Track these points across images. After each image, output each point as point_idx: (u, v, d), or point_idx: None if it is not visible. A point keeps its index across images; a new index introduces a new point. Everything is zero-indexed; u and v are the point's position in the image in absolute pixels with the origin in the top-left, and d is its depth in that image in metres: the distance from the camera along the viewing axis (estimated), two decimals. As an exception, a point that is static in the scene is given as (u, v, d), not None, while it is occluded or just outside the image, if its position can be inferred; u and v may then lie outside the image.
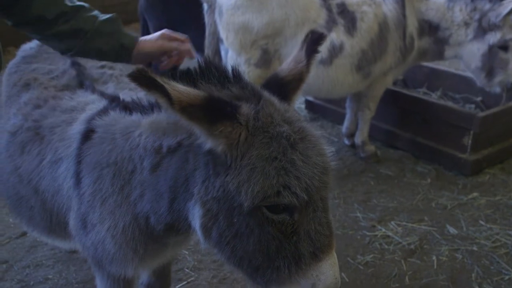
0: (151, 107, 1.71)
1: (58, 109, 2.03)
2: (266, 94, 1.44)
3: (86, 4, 1.77)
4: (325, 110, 5.26)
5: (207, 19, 3.70)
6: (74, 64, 2.24)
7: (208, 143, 1.38)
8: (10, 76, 2.33)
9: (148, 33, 4.68)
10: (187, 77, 1.44)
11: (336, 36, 3.54)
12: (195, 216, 1.49)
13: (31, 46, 2.49)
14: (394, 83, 4.99)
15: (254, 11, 3.43)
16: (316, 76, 3.57)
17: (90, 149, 1.78)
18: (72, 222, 1.87)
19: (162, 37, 1.89)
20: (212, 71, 1.45)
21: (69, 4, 1.72)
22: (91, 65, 2.30)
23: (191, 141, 1.48)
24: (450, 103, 4.66)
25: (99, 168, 1.73)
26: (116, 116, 1.79)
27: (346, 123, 4.57)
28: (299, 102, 5.59)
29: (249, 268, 1.47)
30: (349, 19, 3.58)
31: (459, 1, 3.90)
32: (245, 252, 1.44)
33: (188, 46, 1.90)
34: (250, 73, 3.54)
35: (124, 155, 1.69)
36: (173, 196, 1.56)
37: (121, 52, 1.82)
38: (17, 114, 2.10)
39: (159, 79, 1.28)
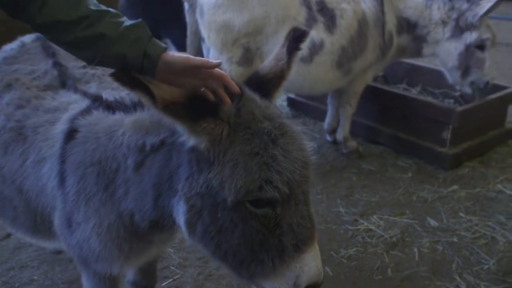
0: (134, 106, 1.73)
1: (41, 109, 2.03)
2: (247, 91, 1.47)
3: (112, 10, 1.59)
4: (307, 107, 5.30)
5: (188, 18, 3.72)
6: (56, 64, 2.25)
7: (191, 140, 1.41)
8: (-9, 77, 2.32)
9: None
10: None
11: (316, 33, 3.58)
12: (179, 212, 1.52)
13: (11, 47, 2.47)
14: (375, 80, 5.07)
15: (235, 10, 3.45)
16: (297, 73, 3.61)
17: (73, 149, 1.79)
18: (57, 221, 1.88)
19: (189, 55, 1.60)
20: None
21: (93, 8, 1.53)
22: (73, 65, 2.30)
23: (174, 139, 1.51)
24: (429, 98, 4.74)
25: (83, 167, 1.75)
26: (99, 115, 1.80)
27: (327, 119, 4.62)
28: (281, 100, 5.64)
29: (234, 262, 1.50)
30: (329, 16, 3.63)
31: (437, 0, 3.98)
32: (229, 247, 1.47)
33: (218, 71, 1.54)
34: (232, 71, 3.57)
35: (108, 154, 1.70)
36: (157, 194, 1.59)
37: (145, 61, 1.50)
38: (0, 115, 2.10)
39: (141, 78, 1.31)
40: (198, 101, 1.38)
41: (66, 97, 2.06)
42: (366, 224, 3.48)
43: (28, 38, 2.51)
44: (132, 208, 1.67)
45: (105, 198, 1.72)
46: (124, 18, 1.57)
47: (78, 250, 1.83)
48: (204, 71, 1.46)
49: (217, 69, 1.48)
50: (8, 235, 3.33)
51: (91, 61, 1.53)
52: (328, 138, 4.70)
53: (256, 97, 1.47)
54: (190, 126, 1.38)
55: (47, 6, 1.46)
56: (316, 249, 1.49)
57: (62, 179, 1.81)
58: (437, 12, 3.96)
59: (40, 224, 2.03)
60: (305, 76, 3.67)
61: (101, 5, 1.57)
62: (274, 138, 1.38)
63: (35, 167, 1.91)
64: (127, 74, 1.29)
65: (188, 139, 1.41)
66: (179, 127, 1.40)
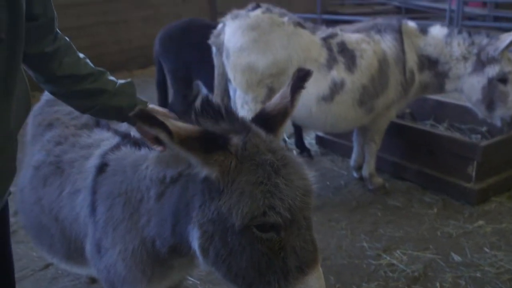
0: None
1: (77, 145, 2.26)
2: (254, 127, 1.63)
3: (105, 70, 2.01)
4: (335, 144, 5.43)
5: (215, 60, 3.96)
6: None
7: (203, 171, 1.57)
8: (35, 117, 2.58)
9: (164, 76, 5.01)
10: (188, 114, 1.67)
11: (337, 73, 3.75)
12: (194, 238, 1.67)
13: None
14: (402, 117, 5.17)
15: (259, 53, 3.68)
16: (320, 112, 3.77)
17: (104, 181, 1.98)
18: (88, 247, 2.06)
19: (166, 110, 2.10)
20: (208, 110, 1.66)
21: (94, 68, 1.95)
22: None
23: (190, 171, 1.67)
24: (454, 134, 4.79)
25: (112, 197, 1.94)
26: (127, 151, 2.00)
27: (353, 156, 4.72)
28: (310, 138, 5.79)
29: (243, 284, 1.63)
30: (349, 57, 3.80)
31: (457, 36, 4.09)
32: (239, 269, 1.60)
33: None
34: (257, 110, 3.74)
35: (133, 186, 1.89)
36: (175, 221, 1.75)
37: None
38: (41, 151, 2.33)
39: (159, 117, 1.49)
40: (209, 136, 1.55)
41: (100, 134, 2.28)
42: (388, 258, 3.53)
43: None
44: (154, 235, 1.84)
45: (130, 226, 1.89)
46: (115, 78, 2.00)
47: (106, 273, 1.99)
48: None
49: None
50: (47, 266, 3.55)
51: (88, 110, 1.96)
52: (355, 174, 4.79)
53: (261, 132, 1.63)
54: (203, 158, 1.54)
55: (64, 64, 1.85)
56: (319, 271, 1.60)
57: (93, 208, 1.99)
58: (457, 48, 4.06)
59: (73, 250, 2.21)
60: (327, 114, 3.83)
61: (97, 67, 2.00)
62: (276, 168, 1.53)
63: (70, 198, 2.11)
64: (147, 114, 1.47)
65: (201, 170, 1.57)
66: (193, 160, 1.57)
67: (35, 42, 1.71)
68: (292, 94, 1.74)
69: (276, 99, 1.78)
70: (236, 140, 1.57)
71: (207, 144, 1.54)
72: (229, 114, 1.65)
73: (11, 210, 2.14)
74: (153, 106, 2.05)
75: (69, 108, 2.54)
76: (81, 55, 1.96)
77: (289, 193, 1.52)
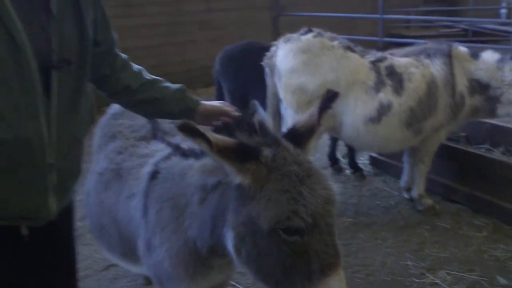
0: (202, 154, 2.15)
1: (135, 155, 2.54)
2: (283, 141, 1.83)
3: (160, 78, 2.25)
4: (388, 165, 5.49)
5: (268, 81, 4.20)
6: (151, 120, 2.78)
7: (237, 179, 1.78)
8: (101, 129, 2.90)
9: (222, 95, 5.30)
10: (227, 128, 1.90)
11: (384, 95, 3.88)
12: (229, 239, 1.87)
13: (118, 105, 3.07)
14: (457, 140, 5.17)
15: (309, 75, 3.88)
16: (367, 133, 3.90)
17: (155, 186, 2.24)
18: (140, 246, 2.31)
19: (220, 103, 2.35)
20: (244, 125, 1.88)
21: (148, 77, 2.20)
22: (164, 120, 2.82)
23: (227, 179, 1.89)
24: (506, 158, 4.73)
25: (161, 201, 2.18)
26: (176, 160, 2.25)
27: (403, 177, 4.78)
28: (364, 158, 5.88)
29: (271, 283, 1.80)
30: (397, 80, 3.92)
31: (509, 62, 4.10)
32: (267, 269, 1.78)
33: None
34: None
35: (180, 192, 2.12)
36: (213, 224, 1.96)
37: (187, 112, 2.23)
38: (104, 159, 2.64)
39: (200, 129, 1.73)
40: (243, 147, 1.76)
41: (155, 146, 2.55)
42: (432, 277, 3.57)
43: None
44: (195, 236, 2.06)
45: (176, 227, 2.13)
46: (169, 84, 2.23)
47: (154, 270, 2.24)
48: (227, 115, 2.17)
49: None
50: (108, 267, 3.86)
51: (149, 116, 2.30)
52: (405, 195, 4.83)
53: (290, 146, 1.82)
54: (237, 167, 1.75)
55: (120, 79, 2.12)
56: (341, 275, 1.75)
57: (145, 210, 2.25)
58: (509, 73, 4.06)
59: (128, 249, 2.47)
60: (374, 135, 3.95)
61: (152, 76, 2.23)
62: (301, 178, 1.71)
63: (127, 201, 2.39)
64: (189, 126, 1.70)
65: (235, 178, 1.78)
66: (229, 168, 1.78)
67: (96, 65, 1.96)
68: (319, 113, 1.92)
69: (305, 117, 1.96)
70: (267, 152, 1.77)
71: (241, 155, 1.75)
72: (262, 129, 1.86)
73: (79, 215, 2.42)
74: (209, 103, 2.28)
75: (130, 122, 2.85)
76: (137, 67, 2.20)
77: (312, 200, 1.69)
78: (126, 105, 2.29)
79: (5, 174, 1.64)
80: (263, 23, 10.90)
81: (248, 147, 1.78)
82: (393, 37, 11.45)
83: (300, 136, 1.90)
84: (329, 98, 1.97)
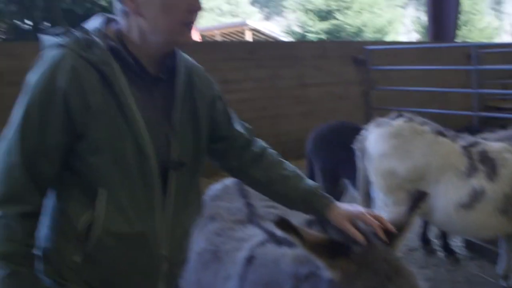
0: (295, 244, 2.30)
1: (232, 238, 2.73)
2: (373, 238, 1.95)
3: (295, 173, 2.23)
4: (484, 249, 5.26)
5: (359, 164, 4.32)
6: (247, 204, 2.97)
7: (328, 273, 1.91)
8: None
9: (313, 173, 5.45)
10: (320, 222, 2.06)
11: (476, 181, 3.84)
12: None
13: (217, 187, 3.30)
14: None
15: (399, 159, 3.95)
16: (459, 218, 3.85)
17: (250, 271, 2.40)
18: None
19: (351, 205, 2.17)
20: None
21: (281, 173, 2.21)
22: (260, 205, 3.00)
23: (319, 272, 2.02)
24: None
25: (255, 286, 2.34)
26: (270, 247, 2.41)
27: (499, 263, 4.57)
28: (458, 241, 5.67)
29: None
30: (490, 165, 3.87)
31: None
32: None
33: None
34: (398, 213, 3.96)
35: (273, 278, 2.27)
36: (304, 312, 2.08)
37: (313, 214, 2.22)
38: (204, 240, 2.86)
39: (294, 225, 1.89)
40: (334, 244, 1.90)
41: (251, 230, 2.73)
42: None
43: (229, 181, 3.32)
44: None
45: (268, 312, 2.26)
46: (303, 181, 2.20)
47: None
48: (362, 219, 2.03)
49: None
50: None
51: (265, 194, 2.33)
52: (503, 283, 4.60)
53: (379, 244, 1.93)
54: (328, 263, 1.88)
55: (250, 173, 2.23)
56: None
57: (241, 293, 2.42)
58: None
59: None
60: (466, 221, 3.88)
61: (289, 169, 2.21)
62: (389, 277, 1.81)
63: (223, 282, 2.56)
64: (285, 222, 1.87)
65: (326, 272, 1.91)
66: (320, 263, 1.92)
67: (222, 158, 2.18)
68: (409, 213, 2.03)
69: (396, 215, 2.07)
70: (356, 249, 1.89)
71: (332, 251, 1.88)
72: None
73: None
74: (342, 206, 2.12)
75: (228, 205, 3.08)
76: (273, 159, 2.20)
77: (400, 297, 1.78)
78: (241, 176, 2.34)
79: (123, 264, 1.86)
80: (355, 97, 11.06)
81: (339, 243, 1.91)
82: (490, 109, 11.09)
83: (389, 235, 2.00)
84: (418, 198, 2.07)
